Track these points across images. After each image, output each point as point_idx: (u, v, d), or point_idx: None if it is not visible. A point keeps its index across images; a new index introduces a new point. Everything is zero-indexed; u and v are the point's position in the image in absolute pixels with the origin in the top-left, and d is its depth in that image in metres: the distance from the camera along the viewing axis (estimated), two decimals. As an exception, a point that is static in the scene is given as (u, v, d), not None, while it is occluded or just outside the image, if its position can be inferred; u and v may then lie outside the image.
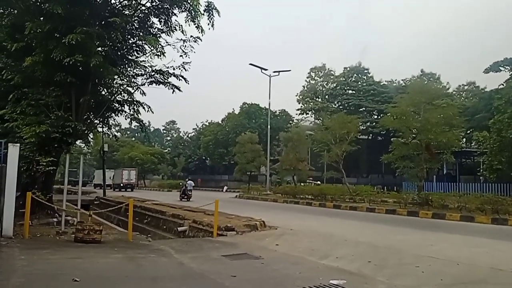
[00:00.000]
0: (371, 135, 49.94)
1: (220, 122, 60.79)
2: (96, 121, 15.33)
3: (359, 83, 52.25)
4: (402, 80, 51.23)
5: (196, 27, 12.62)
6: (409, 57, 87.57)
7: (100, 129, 18.33)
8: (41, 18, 11.24)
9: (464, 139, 37.96)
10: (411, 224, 13.90)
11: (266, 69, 34.09)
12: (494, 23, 79.15)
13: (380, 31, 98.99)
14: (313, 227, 12.87)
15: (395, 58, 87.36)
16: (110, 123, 16.22)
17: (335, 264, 7.32)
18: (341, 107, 50.50)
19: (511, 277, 6.32)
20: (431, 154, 20.76)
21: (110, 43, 12.67)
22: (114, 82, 14.37)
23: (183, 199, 25.74)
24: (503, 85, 22.46)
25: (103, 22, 12.12)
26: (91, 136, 17.96)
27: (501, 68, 22.98)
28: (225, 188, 46.56)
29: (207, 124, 65.67)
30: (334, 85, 54.39)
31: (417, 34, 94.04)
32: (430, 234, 11.50)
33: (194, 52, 13.34)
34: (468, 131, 36.47)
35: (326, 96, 54.15)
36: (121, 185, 46.02)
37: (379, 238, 10.58)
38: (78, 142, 17.81)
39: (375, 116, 48.60)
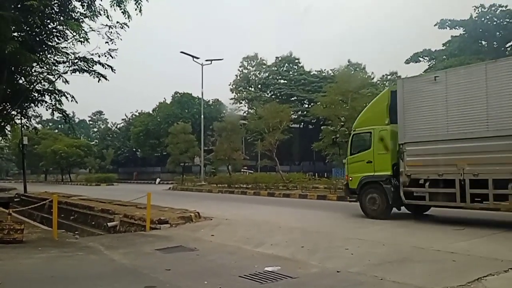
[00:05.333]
0: (302, 123, 51.41)
1: (151, 112, 59.02)
2: (13, 112, 14.24)
3: (291, 72, 53.44)
4: (331, 70, 53.15)
5: (122, 12, 12.03)
6: (337, 48, 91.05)
7: (18, 121, 17.09)
8: None
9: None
10: (340, 208, 14.54)
11: (198, 58, 33.65)
12: (415, 17, 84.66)
13: (310, 23, 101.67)
14: (248, 215, 13.01)
15: (324, 49, 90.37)
16: (30, 114, 15.17)
17: (270, 251, 7.45)
18: (273, 96, 51.36)
19: (432, 254, 6.82)
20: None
21: (28, 28, 11.71)
22: (33, 70, 13.36)
23: None
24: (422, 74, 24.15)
25: (19, 6, 11.15)
26: (8, 129, 16.68)
27: (420, 58, 24.72)
28: (158, 180, 45.56)
29: (137, 114, 63.44)
30: (267, 74, 55.15)
31: (345, 26, 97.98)
32: (356, 217, 12.09)
33: (121, 39, 12.72)
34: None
35: (259, 86, 54.78)
36: None
37: (310, 224, 10.97)
38: (-7, 135, 16.52)
39: (306, 105, 49.98)
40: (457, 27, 22.65)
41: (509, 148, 8.95)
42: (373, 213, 11.60)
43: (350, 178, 12.55)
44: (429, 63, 24.54)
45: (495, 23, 21.45)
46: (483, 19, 21.59)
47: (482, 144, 9.35)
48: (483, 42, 22.90)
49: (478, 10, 21.53)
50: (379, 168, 11.65)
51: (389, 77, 55.14)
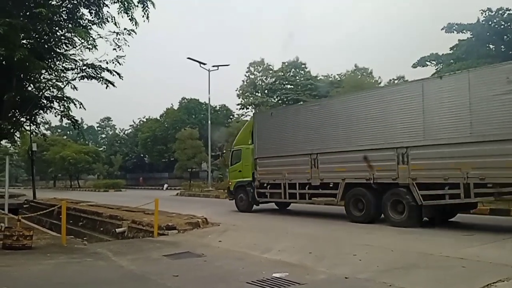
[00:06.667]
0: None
1: (158, 118, 59.27)
2: (22, 119, 14.37)
3: (297, 77, 53.32)
4: (338, 74, 53.02)
5: (129, 19, 12.14)
6: (344, 52, 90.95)
7: (27, 128, 17.24)
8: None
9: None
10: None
11: (205, 64, 33.72)
12: (422, 21, 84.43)
13: (317, 28, 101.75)
14: (256, 221, 12.98)
15: (331, 53, 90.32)
16: (39, 121, 15.28)
17: (277, 257, 7.42)
18: (280, 101, 51.28)
19: (440, 260, 6.74)
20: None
21: (36, 36, 11.83)
22: (42, 77, 13.51)
23: None
24: (429, 79, 24.02)
25: (28, 13, 11.30)
26: (18, 135, 16.82)
27: (427, 63, 24.52)
28: (165, 186, 45.62)
29: (144, 120, 63.75)
30: (273, 79, 55.08)
31: (352, 30, 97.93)
32: (366, 223, 11.98)
33: (129, 45, 12.83)
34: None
35: (266, 91, 54.69)
36: None
37: (318, 229, 10.91)
38: (3, 142, 16.67)
39: (313, 110, 49.76)
40: (464, 31, 22.50)
41: (305, 163, 13.17)
42: (242, 208, 16.04)
43: (230, 183, 16.92)
44: (436, 67, 24.36)
45: (502, 26, 21.29)
46: (490, 22, 21.44)
47: (295, 159, 13.54)
48: (491, 46, 22.73)
49: (485, 14, 21.38)
50: (245, 175, 15.85)
51: (396, 81, 54.96)
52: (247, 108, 55.05)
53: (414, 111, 10.50)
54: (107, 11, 12.53)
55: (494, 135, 8.99)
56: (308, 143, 13.13)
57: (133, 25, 12.27)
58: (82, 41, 12.21)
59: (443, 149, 9.87)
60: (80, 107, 14.20)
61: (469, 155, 9.41)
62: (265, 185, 14.76)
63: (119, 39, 12.59)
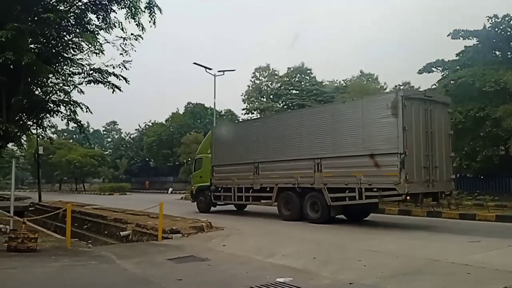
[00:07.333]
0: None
1: (164, 122, 59.50)
2: (29, 123, 14.46)
3: (302, 83, 53.33)
4: (343, 80, 53.00)
5: (136, 24, 12.22)
6: (350, 58, 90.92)
7: (34, 131, 17.35)
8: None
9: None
10: (352, 218, 14.39)
11: (210, 69, 33.72)
12: (428, 28, 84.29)
13: (323, 34, 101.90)
14: (260, 226, 12.97)
15: (336, 59, 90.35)
16: (45, 125, 15.37)
17: (282, 262, 7.41)
18: (285, 106, 51.26)
19: (446, 267, 6.69)
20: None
21: (44, 40, 11.95)
22: (49, 81, 13.60)
23: None
24: (435, 85, 23.86)
25: (36, 18, 11.41)
26: (24, 139, 16.93)
27: (433, 69, 24.32)
28: (170, 189, 45.68)
29: (150, 124, 64.01)
30: (279, 85, 55.10)
31: (358, 36, 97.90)
32: (371, 228, 12.01)
33: (135, 50, 12.91)
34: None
35: (271, 96, 54.72)
36: None
37: (322, 234, 10.88)
38: (10, 145, 16.76)
39: (318, 116, 49.71)
40: (470, 37, 22.37)
41: (249, 170, 15.32)
42: (201, 209, 18.07)
43: (193, 187, 19.03)
44: (442, 73, 24.20)
45: (509, 33, 21.16)
46: (496, 29, 21.30)
47: (242, 167, 15.65)
48: (497, 52, 22.58)
49: (491, 20, 21.26)
50: (204, 181, 17.87)
51: (402, 87, 54.81)
52: (252, 113, 55.02)
53: (326, 129, 12.81)
54: (115, 17, 12.64)
55: (377, 150, 11.28)
56: (251, 153, 15.33)
57: (140, 30, 12.37)
58: (89, 46, 12.32)
59: (345, 160, 12.11)
60: (86, 111, 14.30)
61: (361, 165, 11.59)
62: (219, 189, 16.98)
63: (126, 44, 12.70)
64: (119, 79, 13.39)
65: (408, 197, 11.08)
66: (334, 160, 12.41)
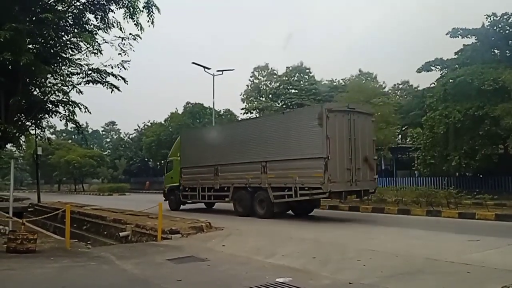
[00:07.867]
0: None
1: (163, 122, 59.36)
2: (28, 123, 14.46)
3: (301, 82, 53.32)
4: (342, 79, 52.98)
5: (135, 24, 12.22)
6: (349, 57, 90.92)
7: (32, 132, 17.34)
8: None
9: (400, 136, 39.84)
10: (353, 218, 14.41)
11: (209, 68, 33.71)
12: (427, 26, 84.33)
13: (322, 33, 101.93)
14: (260, 226, 12.95)
15: (335, 58, 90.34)
16: (44, 125, 15.39)
17: (281, 262, 7.40)
18: (284, 106, 51.24)
19: (445, 266, 6.69)
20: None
21: (42, 40, 11.96)
22: (47, 82, 13.60)
23: None
24: (434, 84, 23.88)
25: (34, 18, 11.40)
26: (23, 139, 16.94)
27: (432, 67, 24.30)
28: (169, 189, 45.48)
29: (149, 124, 63.82)
30: (277, 84, 55.09)
31: (357, 35, 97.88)
32: (371, 227, 12.00)
33: (134, 50, 12.93)
34: (403, 128, 38.28)
35: (270, 95, 54.70)
36: None
37: (322, 234, 10.86)
38: (8, 146, 16.76)
39: (317, 115, 49.61)
40: (469, 36, 22.35)
41: (211, 172, 16.93)
42: (172, 207, 19.22)
43: (165, 187, 20.39)
44: (441, 72, 24.18)
45: (507, 31, 21.14)
46: (495, 27, 21.26)
47: (205, 169, 17.14)
48: (496, 51, 22.53)
49: (490, 19, 21.24)
50: (175, 181, 19.37)
51: (400, 86, 54.86)
52: (251, 113, 55.06)
53: (270, 136, 14.45)
54: (113, 17, 12.66)
55: (307, 154, 12.90)
56: (213, 157, 16.88)
57: (138, 30, 12.36)
58: (88, 46, 12.35)
59: (284, 163, 13.75)
60: (85, 111, 14.31)
61: (296, 168, 13.29)
62: (187, 189, 18.55)
63: (124, 44, 12.70)
64: (118, 79, 13.42)
65: (332, 195, 12.76)
66: (276, 163, 14.09)
